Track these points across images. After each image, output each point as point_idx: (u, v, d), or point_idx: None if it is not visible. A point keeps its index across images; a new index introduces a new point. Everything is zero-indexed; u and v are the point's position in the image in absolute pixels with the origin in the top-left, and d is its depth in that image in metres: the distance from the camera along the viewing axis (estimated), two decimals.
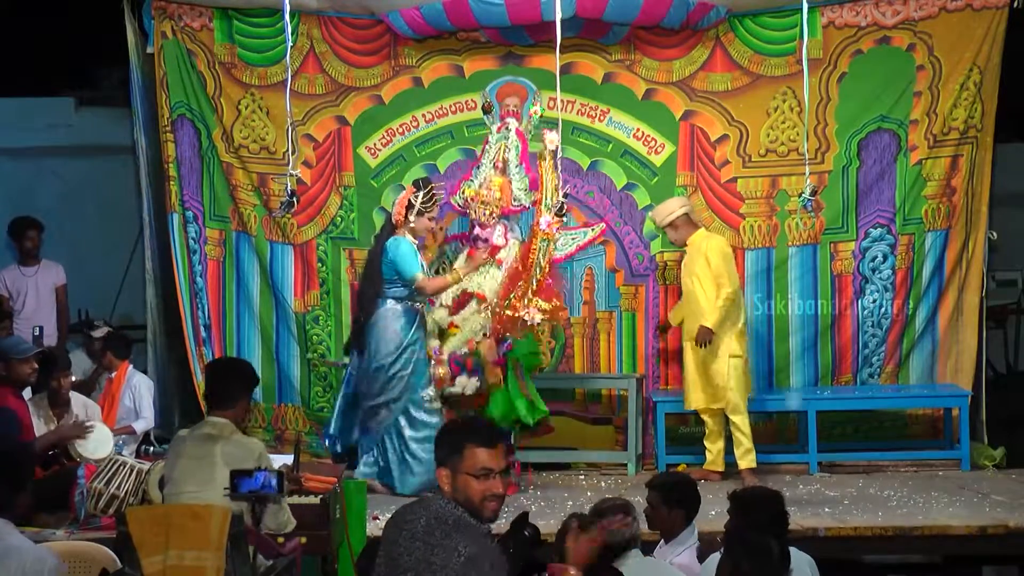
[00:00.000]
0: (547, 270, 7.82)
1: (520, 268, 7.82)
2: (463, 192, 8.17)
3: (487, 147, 8.18)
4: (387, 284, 7.92)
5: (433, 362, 7.92)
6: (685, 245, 8.38)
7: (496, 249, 8.05)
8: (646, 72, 9.12)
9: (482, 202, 8.03)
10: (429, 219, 8.00)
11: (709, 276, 8.19)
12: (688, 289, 8.31)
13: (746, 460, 8.19)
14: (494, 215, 8.03)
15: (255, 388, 5.88)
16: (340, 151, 9.28)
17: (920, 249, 8.98)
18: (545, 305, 7.78)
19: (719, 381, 8.18)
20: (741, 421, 8.21)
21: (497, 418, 7.72)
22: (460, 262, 8.10)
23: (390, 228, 8.03)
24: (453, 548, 3.62)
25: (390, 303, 7.92)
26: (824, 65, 8.94)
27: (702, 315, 8.15)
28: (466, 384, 7.85)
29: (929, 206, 8.96)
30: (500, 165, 8.06)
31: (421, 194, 7.95)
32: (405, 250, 7.89)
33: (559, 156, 7.79)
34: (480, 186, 8.07)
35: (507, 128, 8.12)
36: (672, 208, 8.41)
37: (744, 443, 8.20)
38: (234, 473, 5.20)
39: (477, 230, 8.11)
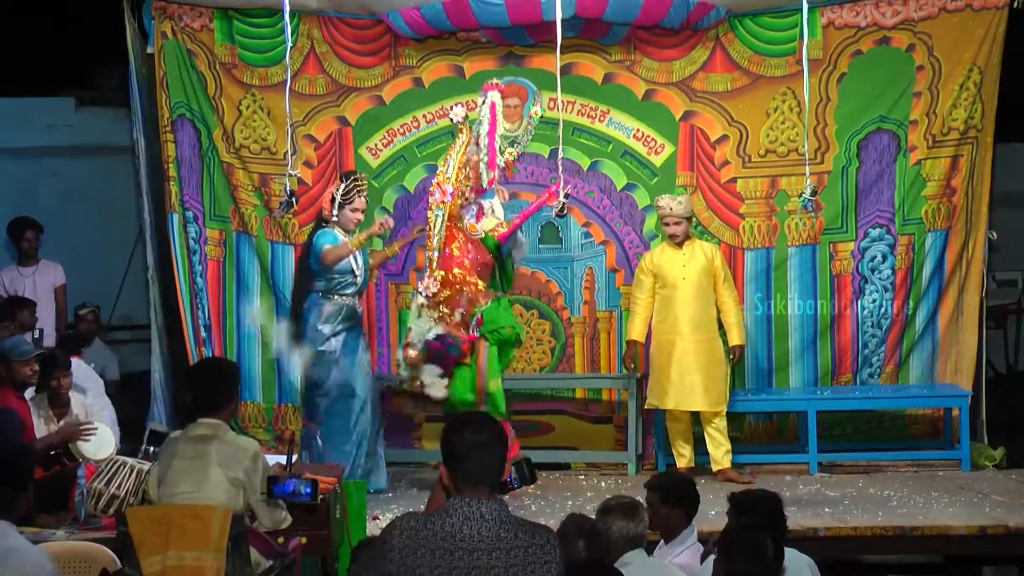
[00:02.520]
0: (446, 240, 7.66)
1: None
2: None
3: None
4: (313, 279, 8.01)
5: (403, 344, 7.84)
6: (680, 243, 8.34)
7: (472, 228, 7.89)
8: (646, 72, 9.13)
9: (463, 183, 7.83)
10: (351, 211, 7.98)
11: (709, 281, 8.30)
12: (679, 288, 8.30)
13: (727, 460, 8.31)
14: (467, 195, 7.83)
15: (239, 385, 5.89)
16: (341, 151, 9.29)
17: (920, 249, 8.98)
18: (439, 274, 7.62)
19: (715, 387, 8.24)
20: (724, 423, 8.32)
21: (457, 401, 7.69)
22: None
23: (319, 224, 8.10)
24: (547, 541, 3.53)
25: (313, 297, 8.01)
26: (824, 65, 8.95)
27: (706, 321, 8.30)
28: (431, 380, 7.69)
29: (929, 206, 8.96)
30: (475, 140, 7.89)
31: (342, 186, 8.01)
32: (325, 237, 7.97)
33: (479, 134, 7.77)
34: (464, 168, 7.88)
35: (484, 102, 7.89)
36: (691, 204, 8.55)
37: (725, 444, 8.31)
38: (270, 480, 5.28)
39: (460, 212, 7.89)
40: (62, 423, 7.11)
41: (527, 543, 3.48)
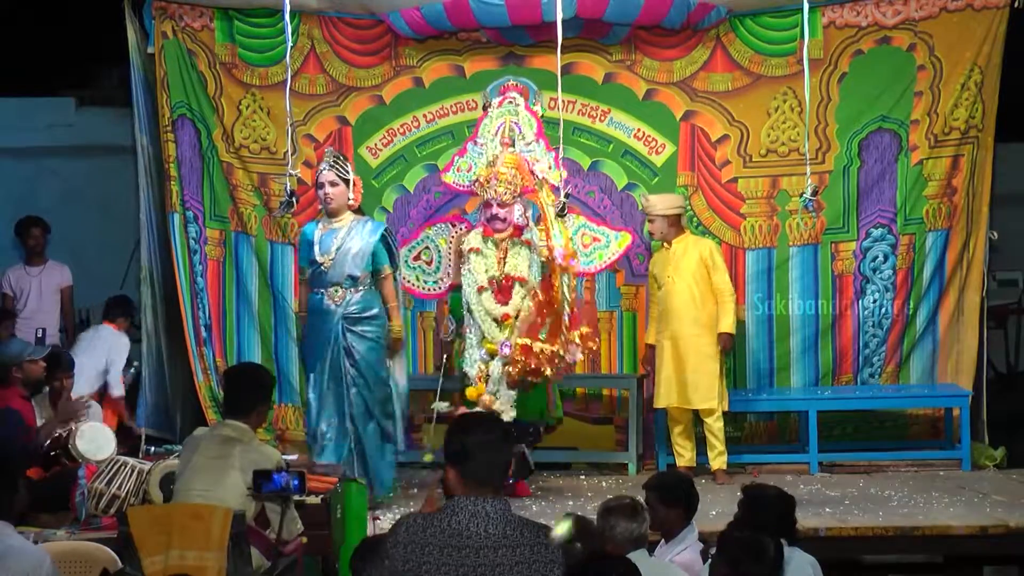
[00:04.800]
0: (573, 303, 7.66)
1: (544, 301, 7.58)
2: (475, 172, 7.82)
3: (486, 122, 7.89)
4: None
5: (503, 360, 7.52)
6: (662, 242, 8.36)
7: (519, 229, 7.68)
8: (647, 72, 9.13)
9: (503, 180, 7.62)
10: (318, 188, 7.75)
11: (704, 278, 8.27)
12: (669, 288, 8.31)
13: (719, 461, 8.27)
14: (515, 194, 7.66)
15: (272, 394, 5.88)
16: (341, 151, 9.26)
17: (921, 249, 8.98)
18: (577, 338, 7.56)
19: (705, 382, 8.20)
20: (719, 424, 8.26)
21: (532, 413, 7.72)
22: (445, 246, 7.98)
23: None
24: (551, 539, 3.56)
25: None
26: (825, 65, 8.94)
27: (697, 318, 8.24)
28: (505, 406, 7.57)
29: (930, 206, 8.96)
30: (508, 141, 7.78)
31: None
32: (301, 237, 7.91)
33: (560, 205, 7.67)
34: (492, 164, 7.71)
35: (513, 104, 7.85)
36: (677, 202, 8.49)
37: (718, 446, 8.27)
38: (256, 474, 5.24)
39: (495, 209, 7.64)
40: (59, 407, 7.11)
41: (532, 541, 3.54)
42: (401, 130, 9.29)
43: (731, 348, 8.44)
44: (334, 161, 7.75)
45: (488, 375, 7.57)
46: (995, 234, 8.98)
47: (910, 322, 9.02)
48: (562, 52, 7.63)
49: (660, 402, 8.39)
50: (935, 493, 7.74)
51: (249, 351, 9.37)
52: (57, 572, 4.60)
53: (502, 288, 7.67)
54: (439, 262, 8.09)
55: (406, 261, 8.06)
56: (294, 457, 6.44)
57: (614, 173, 9.18)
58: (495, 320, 7.61)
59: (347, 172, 7.75)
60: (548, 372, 7.48)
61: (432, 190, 9.25)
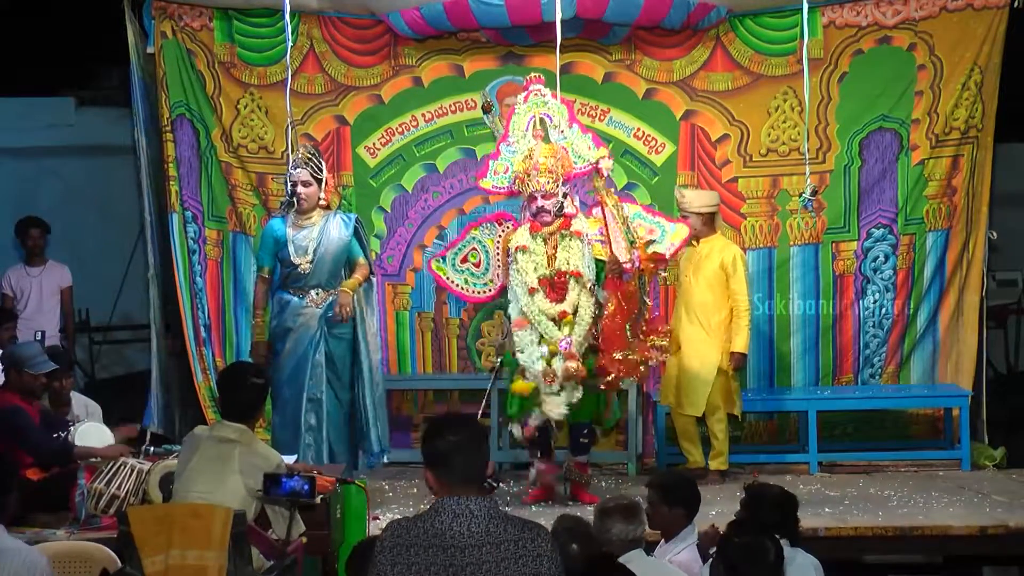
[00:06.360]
0: (651, 307, 7.57)
1: (623, 306, 7.34)
2: (512, 172, 7.57)
3: (514, 119, 7.65)
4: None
5: (563, 356, 7.29)
6: (694, 239, 8.18)
7: (568, 220, 7.51)
8: (646, 72, 9.13)
9: (544, 170, 7.42)
10: (288, 186, 7.64)
11: (721, 284, 8.13)
12: (687, 288, 8.26)
13: (716, 463, 8.20)
14: (559, 183, 7.46)
15: (267, 391, 5.86)
16: (339, 151, 9.27)
17: (921, 249, 8.98)
18: (661, 342, 7.44)
19: (700, 390, 8.14)
20: (720, 426, 8.20)
21: (585, 415, 7.53)
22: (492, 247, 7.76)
23: None
24: (537, 535, 3.56)
25: (277, 292, 7.78)
26: (825, 65, 8.94)
27: (707, 324, 8.13)
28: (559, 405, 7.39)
29: (930, 206, 8.96)
30: (540, 133, 7.58)
31: None
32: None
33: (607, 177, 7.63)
34: (529, 157, 7.47)
35: (540, 96, 7.63)
36: (713, 201, 8.35)
37: (716, 446, 8.21)
38: (267, 477, 5.22)
39: (540, 201, 7.41)
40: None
41: (517, 537, 3.52)
42: (400, 130, 9.28)
43: (742, 367, 8.34)
44: (308, 159, 7.63)
45: (555, 373, 7.32)
46: (994, 234, 8.98)
47: (910, 322, 9.02)
48: (562, 52, 7.62)
49: (661, 399, 8.40)
50: (935, 493, 7.73)
51: (248, 351, 9.35)
52: (53, 573, 4.59)
53: (555, 285, 7.47)
54: (487, 263, 7.83)
55: (453, 264, 7.84)
56: (293, 458, 6.41)
57: (614, 173, 9.10)
58: (552, 319, 7.40)
59: (320, 171, 7.65)
60: (628, 379, 7.44)
61: (430, 190, 9.25)
